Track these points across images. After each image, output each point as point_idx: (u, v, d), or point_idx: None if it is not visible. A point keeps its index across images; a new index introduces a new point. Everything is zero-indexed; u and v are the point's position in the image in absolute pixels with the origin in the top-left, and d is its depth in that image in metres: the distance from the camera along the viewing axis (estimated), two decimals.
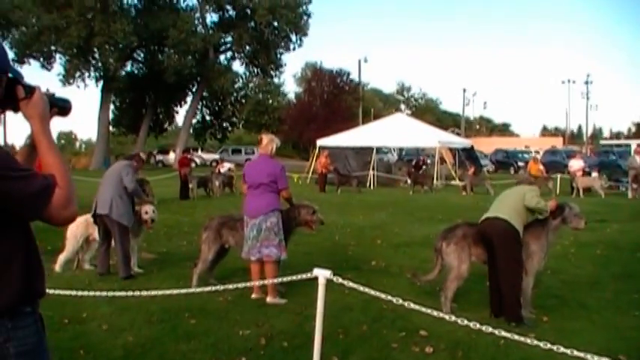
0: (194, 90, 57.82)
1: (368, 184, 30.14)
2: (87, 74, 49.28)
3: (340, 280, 4.98)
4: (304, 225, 8.37)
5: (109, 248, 9.42)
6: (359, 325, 6.78)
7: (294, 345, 6.08)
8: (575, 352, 4.04)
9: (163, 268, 9.92)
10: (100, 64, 48.67)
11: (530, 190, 7.33)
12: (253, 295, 7.94)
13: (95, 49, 46.41)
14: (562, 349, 4.10)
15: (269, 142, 8.12)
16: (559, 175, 28.47)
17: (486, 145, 65.42)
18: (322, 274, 4.94)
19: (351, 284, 5.02)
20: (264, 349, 6.03)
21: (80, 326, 6.77)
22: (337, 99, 58.02)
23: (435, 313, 4.84)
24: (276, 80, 69.80)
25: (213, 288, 6.29)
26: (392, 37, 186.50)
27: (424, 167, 29.83)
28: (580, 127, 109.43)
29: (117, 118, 60.19)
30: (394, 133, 32.39)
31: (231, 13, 53.87)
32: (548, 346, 4.16)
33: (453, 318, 4.84)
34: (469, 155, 34.66)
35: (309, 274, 5.10)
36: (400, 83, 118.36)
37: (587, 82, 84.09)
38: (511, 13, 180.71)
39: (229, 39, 54.19)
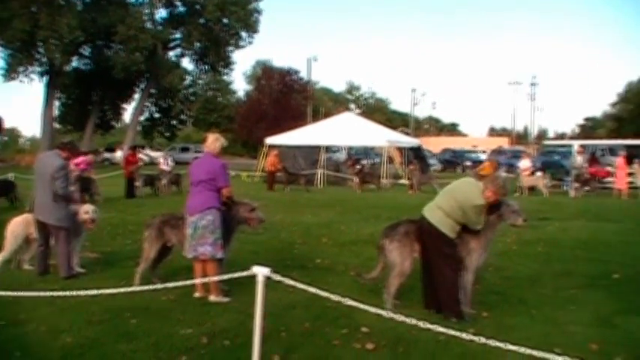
0: (142, 87, 57.09)
1: (316, 182, 30.25)
2: (31, 69, 48.11)
3: (279, 277, 5.00)
4: (244, 223, 8.30)
5: (47, 247, 9.26)
6: (301, 323, 6.80)
7: (236, 343, 6.08)
8: (509, 346, 4.17)
9: (107, 268, 9.80)
10: (45, 59, 47.50)
11: (470, 196, 7.34)
12: (196, 294, 7.91)
13: (40, 43, 45.21)
14: (497, 343, 4.21)
15: (214, 140, 8.09)
16: (504, 175, 28.88)
17: (435, 145, 66.22)
18: (261, 272, 4.94)
19: (290, 281, 5.05)
20: (205, 348, 6.01)
21: (17, 328, 6.64)
22: (287, 97, 57.82)
23: (377, 310, 4.89)
24: (225, 78, 69.85)
25: (155, 287, 6.25)
26: (342, 37, 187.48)
27: (357, 167, 29.94)
28: (526, 128, 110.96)
29: (62, 114, 59.24)
30: (343, 132, 32.54)
31: (181, 9, 53.30)
32: (483, 340, 4.26)
33: (394, 314, 4.91)
34: (417, 154, 34.98)
35: (247, 272, 5.11)
36: (350, 82, 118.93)
37: (533, 84, 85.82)
38: (459, 15, 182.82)
39: (179, 35, 53.61)
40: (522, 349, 4.09)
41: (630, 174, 27.37)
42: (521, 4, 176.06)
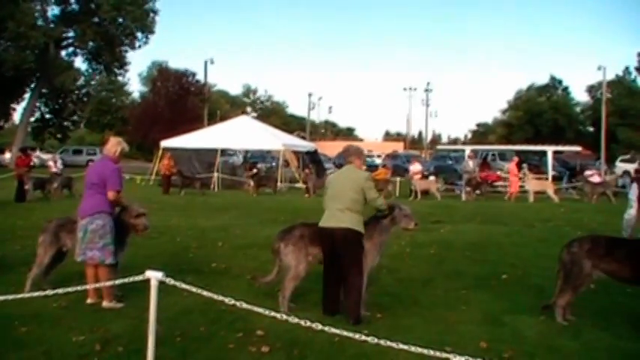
0: (33, 86, 55.18)
1: (212, 186, 30.06)
2: None
3: (172, 281, 4.97)
4: (131, 229, 8.14)
5: None
6: (197, 328, 6.76)
7: (129, 350, 5.98)
8: (401, 345, 4.28)
9: None
10: None
11: (370, 186, 7.49)
12: (88, 300, 7.73)
13: None
14: (389, 343, 4.32)
15: (115, 144, 7.95)
16: (398, 179, 29.51)
17: (331, 149, 66.79)
18: (154, 276, 4.89)
19: (184, 285, 5.02)
20: (98, 355, 5.89)
21: None
22: (183, 100, 57.12)
23: (273, 313, 4.92)
24: (120, 79, 68.30)
25: (45, 293, 6.10)
26: (239, 40, 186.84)
27: (254, 170, 30.04)
28: (420, 133, 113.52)
29: None
30: (239, 135, 32.45)
31: (75, 7, 51.72)
32: (376, 340, 4.37)
33: (289, 317, 4.95)
34: (313, 158, 35.25)
35: (140, 277, 5.04)
36: (246, 86, 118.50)
37: (427, 90, 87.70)
38: (355, 21, 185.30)
39: (72, 34, 51.99)
40: (413, 349, 4.22)
41: (520, 178, 28.43)
42: (417, 11, 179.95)
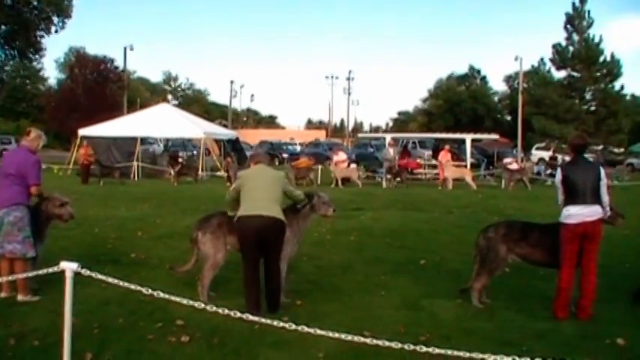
0: None
1: (132, 175, 29.64)
2: None
3: (88, 272, 4.88)
4: (55, 219, 7.99)
5: None
6: (115, 319, 6.67)
7: (46, 343, 5.86)
8: (319, 331, 4.32)
9: None
10: None
11: (287, 182, 7.57)
12: (2, 294, 7.52)
13: None
14: (307, 329, 4.35)
15: (36, 137, 7.79)
16: (320, 167, 29.65)
17: (253, 137, 66.70)
18: (69, 267, 4.79)
19: (100, 276, 4.94)
20: (13, 350, 5.75)
21: None
22: (101, 87, 55.67)
23: (191, 302, 4.89)
24: (35, 65, 66.32)
25: None
26: (159, 26, 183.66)
27: (180, 160, 29.85)
28: (342, 121, 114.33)
29: None
30: (160, 123, 32.00)
31: None
32: (294, 326, 4.40)
33: (208, 306, 4.93)
34: (235, 147, 35.09)
35: (55, 268, 4.93)
36: (167, 73, 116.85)
37: (349, 79, 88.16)
38: (278, 8, 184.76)
39: None
40: (331, 334, 4.27)
41: (437, 166, 28.97)
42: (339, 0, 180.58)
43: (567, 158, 8.96)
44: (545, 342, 6.27)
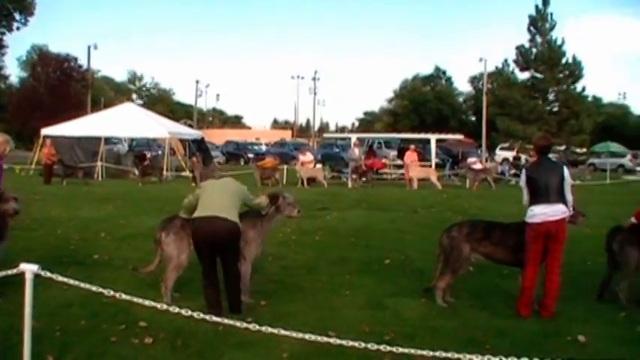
0: None
1: (96, 175, 29.35)
2: None
3: (49, 274, 4.82)
4: (8, 216, 7.81)
5: None
6: (77, 321, 6.59)
7: (6, 346, 5.75)
8: (282, 332, 4.32)
9: None
10: None
11: (249, 194, 7.52)
12: None
13: None
14: (270, 330, 4.34)
15: (3, 142, 7.69)
16: (285, 167, 29.62)
17: (218, 137, 66.39)
18: (29, 269, 4.72)
19: (61, 278, 4.88)
20: None
21: None
22: (65, 86, 55.07)
23: (154, 303, 4.85)
24: None
25: None
26: (124, 24, 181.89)
27: (146, 162, 29.67)
28: (308, 121, 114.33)
29: None
30: (124, 123, 31.72)
31: None
32: (257, 327, 4.39)
33: (170, 307, 4.90)
34: (200, 147, 34.91)
35: (14, 270, 4.86)
36: (132, 72, 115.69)
37: (314, 79, 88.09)
38: (243, 8, 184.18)
39: None
40: (295, 334, 4.26)
41: (402, 166, 29.10)
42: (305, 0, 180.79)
43: (530, 159, 9.07)
44: (509, 340, 6.34)
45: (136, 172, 28.12)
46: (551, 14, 46.90)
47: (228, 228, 6.96)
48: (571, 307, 7.54)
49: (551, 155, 8.13)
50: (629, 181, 35.25)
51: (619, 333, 6.69)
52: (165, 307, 4.80)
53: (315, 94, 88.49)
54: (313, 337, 4.22)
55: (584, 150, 54.61)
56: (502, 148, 51.22)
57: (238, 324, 4.53)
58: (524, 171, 7.57)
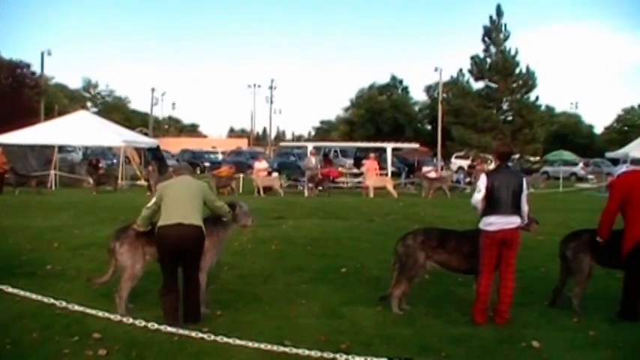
0: None
1: (49, 184, 28.90)
2: None
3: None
4: None
5: None
6: (29, 333, 6.45)
7: None
8: (238, 341, 4.31)
9: None
10: None
11: (211, 193, 7.52)
12: None
13: None
14: (226, 340, 4.33)
15: None
16: (241, 175, 29.53)
17: (174, 145, 65.88)
18: None
19: (11, 290, 4.81)
20: None
21: None
22: (17, 93, 54.25)
23: (107, 314, 4.80)
24: None
25: None
26: (79, 31, 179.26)
27: (100, 170, 29.38)
28: (265, 130, 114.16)
29: None
30: (78, 131, 31.20)
31: None
32: (212, 337, 4.37)
33: (124, 318, 4.85)
34: (155, 155, 34.64)
35: None
36: (86, 79, 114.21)
37: (271, 87, 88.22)
38: (198, 16, 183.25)
39: None
40: (251, 344, 4.25)
41: (358, 174, 29.23)
42: (260, 8, 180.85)
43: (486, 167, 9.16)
44: (464, 347, 6.40)
45: (91, 181, 27.82)
46: (505, 25, 47.50)
47: (194, 235, 6.96)
48: (525, 314, 7.66)
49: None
50: (581, 189, 35.87)
51: (572, 338, 6.80)
52: (119, 318, 4.77)
53: (271, 102, 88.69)
54: (269, 347, 4.23)
55: (538, 158, 55.39)
56: (457, 157, 51.73)
57: (194, 334, 4.52)
58: (484, 176, 7.63)
